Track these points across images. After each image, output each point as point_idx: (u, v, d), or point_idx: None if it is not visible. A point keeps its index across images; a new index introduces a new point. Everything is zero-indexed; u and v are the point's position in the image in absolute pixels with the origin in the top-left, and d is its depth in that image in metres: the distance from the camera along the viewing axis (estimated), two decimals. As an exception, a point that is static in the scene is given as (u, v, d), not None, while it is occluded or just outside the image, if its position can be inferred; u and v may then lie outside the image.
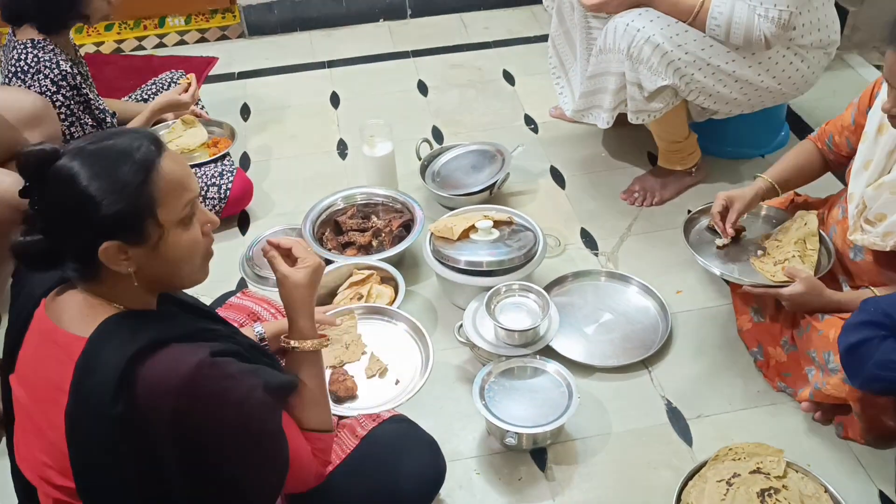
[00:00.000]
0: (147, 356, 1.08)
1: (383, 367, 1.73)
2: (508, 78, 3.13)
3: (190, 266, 1.19)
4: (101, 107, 2.32)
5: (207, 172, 2.40)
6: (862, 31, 3.03)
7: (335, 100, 3.06)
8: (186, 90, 2.49)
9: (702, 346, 2.02)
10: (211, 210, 2.35)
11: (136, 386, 1.06)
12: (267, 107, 3.03)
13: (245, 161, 2.74)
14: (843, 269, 1.92)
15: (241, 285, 2.26)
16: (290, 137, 2.86)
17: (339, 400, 1.67)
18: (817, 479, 1.65)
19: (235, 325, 1.69)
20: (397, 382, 1.71)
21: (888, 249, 1.70)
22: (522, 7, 3.58)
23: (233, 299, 1.84)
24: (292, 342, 1.36)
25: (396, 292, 2.06)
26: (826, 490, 1.64)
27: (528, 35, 3.39)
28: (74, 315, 1.14)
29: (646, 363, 1.98)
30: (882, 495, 1.68)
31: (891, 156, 1.69)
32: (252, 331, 1.60)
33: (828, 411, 1.81)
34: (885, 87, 1.70)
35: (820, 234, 1.91)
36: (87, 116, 2.26)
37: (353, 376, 1.72)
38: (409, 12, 3.57)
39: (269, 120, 2.96)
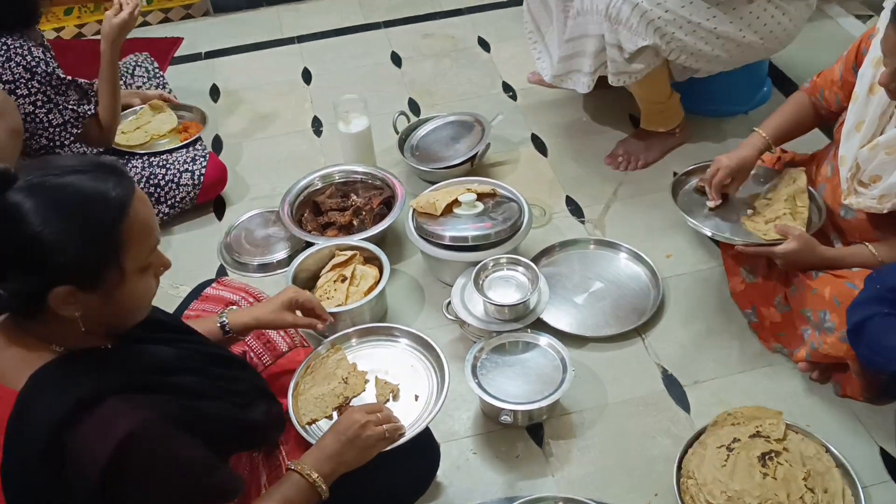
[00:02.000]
0: (78, 419, 0.99)
1: (394, 388, 1.50)
2: (483, 45, 3.06)
3: (138, 313, 1.12)
4: (79, 80, 2.16)
5: (179, 158, 2.33)
6: (840, -20, 2.98)
7: (307, 76, 2.98)
8: (119, 9, 2.11)
9: (695, 310, 1.99)
10: (185, 196, 2.30)
11: (65, 454, 0.99)
12: (237, 87, 2.94)
13: (217, 144, 2.66)
14: (833, 227, 1.88)
15: (221, 272, 2.20)
16: (262, 117, 2.78)
17: None
18: (817, 439, 1.63)
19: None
20: (417, 398, 1.48)
21: (885, 212, 1.66)
22: (493, -29, 3.49)
23: (209, 290, 1.76)
24: (305, 469, 1.25)
25: (381, 272, 2.01)
26: (827, 450, 1.62)
27: (501, 0, 3.31)
28: (7, 362, 1.04)
29: (639, 330, 1.94)
30: (883, 452, 1.66)
31: (884, 116, 1.65)
32: (216, 321, 1.48)
33: (825, 370, 1.79)
34: (869, 58, 1.66)
35: (809, 191, 1.87)
36: (67, 97, 2.09)
37: None
38: (377, -18, 3.47)
39: (240, 100, 2.87)
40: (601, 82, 2.28)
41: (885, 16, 1.57)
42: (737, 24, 2.13)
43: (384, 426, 1.33)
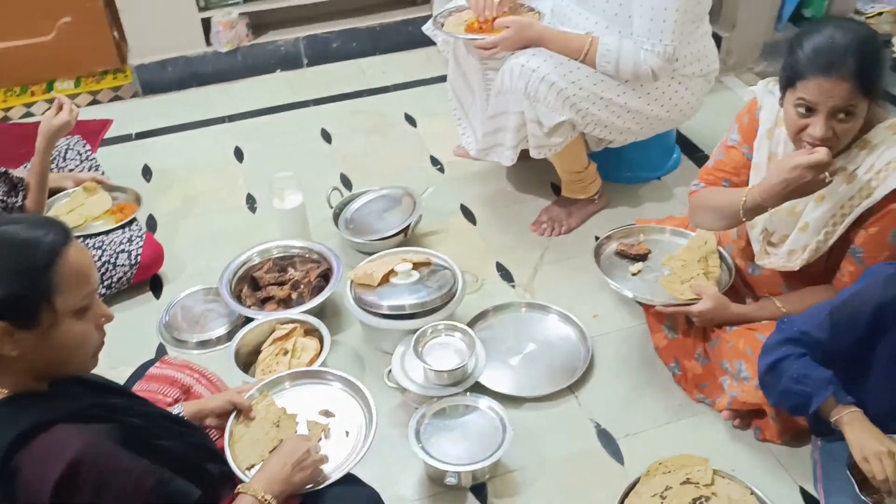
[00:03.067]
0: (28, 441, 1.06)
1: (325, 427, 1.59)
2: (410, 120, 3.19)
3: (80, 357, 1.20)
4: (10, 173, 2.19)
5: (115, 239, 2.35)
6: (735, 54, 3.24)
7: (239, 154, 3.05)
8: (59, 110, 2.19)
9: (622, 366, 2.10)
10: (122, 277, 2.32)
11: (17, 475, 1.05)
12: (169, 166, 2.98)
13: (152, 224, 2.69)
14: (743, 283, 2.04)
15: (161, 351, 2.21)
16: (196, 196, 2.82)
17: None
18: (742, 482, 1.75)
19: (167, 399, 1.67)
20: (348, 434, 1.58)
21: (798, 269, 1.82)
22: (417, 50, 3.65)
23: (152, 370, 1.79)
24: (259, 492, 1.33)
25: (322, 343, 2.06)
26: (752, 492, 1.73)
27: (426, 77, 3.46)
28: None
29: (572, 388, 2.04)
30: (803, 491, 1.78)
31: None
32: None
33: (745, 417, 1.92)
34: (761, 132, 1.82)
35: (720, 252, 2.03)
36: None
37: None
38: (305, 62, 3.59)
39: (173, 180, 2.91)
40: (523, 154, 2.42)
41: (770, 95, 1.77)
42: (644, 99, 2.31)
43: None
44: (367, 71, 3.56)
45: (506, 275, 2.42)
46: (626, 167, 2.72)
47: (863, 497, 1.51)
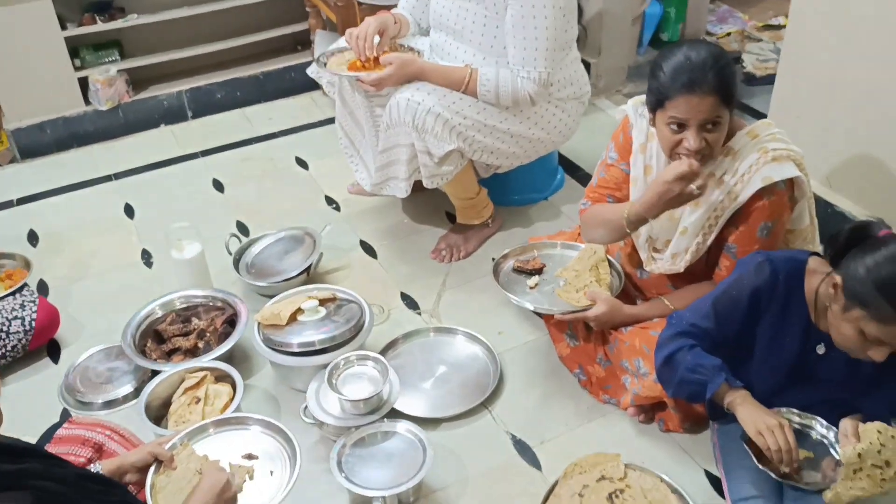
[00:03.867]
0: None
1: (249, 469, 1.63)
2: (302, 163, 3.23)
3: None
4: None
5: (7, 307, 2.27)
6: (604, 78, 3.45)
7: (129, 211, 3.00)
8: None
9: (530, 377, 2.18)
10: (17, 344, 2.24)
11: None
12: (56, 230, 2.90)
13: (44, 288, 2.60)
14: (633, 286, 2.17)
15: (65, 416, 2.15)
16: (88, 256, 2.76)
17: None
18: (653, 472, 1.85)
19: (80, 459, 1.63)
20: (272, 473, 1.63)
21: (682, 270, 1.95)
22: (301, 95, 3.71)
23: (60, 432, 1.75)
24: None
25: (234, 389, 2.05)
26: (662, 480, 1.83)
27: (313, 121, 3.52)
28: None
29: (485, 404, 2.11)
30: (707, 473, 1.90)
31: None
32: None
33: (649, 411, 2.03)
34: (634, 147, 1.96)
35: (609, 260, 2.15)
36: None
37: None
38: (189, 114, 3.58)
39: (62, 242, 2.83)
40: (417, 186, 2.50)
41: (638, 114, 1.92)
42: (525, 123, 2.44)
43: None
44: (254, 119, 3.58)
45: (411, 303, 2.48)
46: (515, 190, 2.84)
47: (760, 466, 1.64)
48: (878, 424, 1.58)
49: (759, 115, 3.15)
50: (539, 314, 2.27)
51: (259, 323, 2.16)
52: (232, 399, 2.02)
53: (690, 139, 1.74)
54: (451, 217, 2.78)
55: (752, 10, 4.19)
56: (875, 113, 2.31)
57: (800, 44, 2.51)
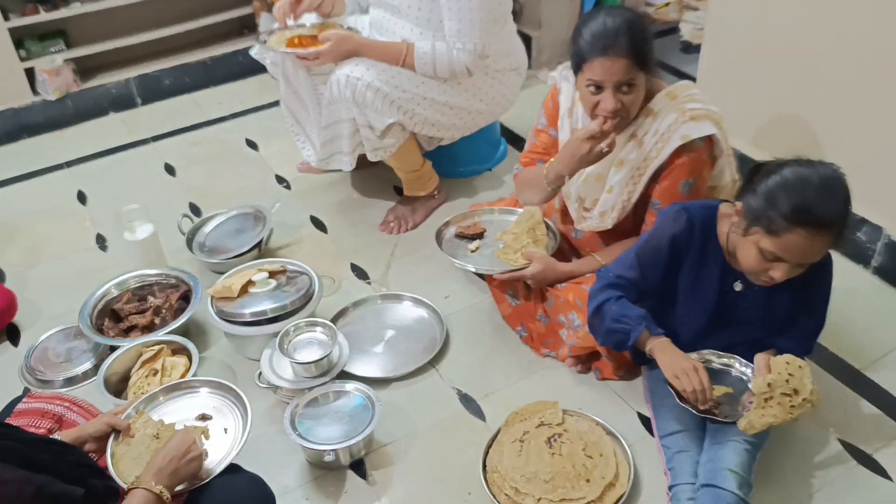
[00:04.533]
0: None
1: (203, 429, 1.68)
2: (252, 145, 3.29)
3: None
4: None
5: (-37, 292, 2.32)
6: (545, 51, 3.55)
7: (82, 197, 3.04)
8: None
9: (475, 337, 2.29)
10: (-25, 328, 2.29)
11: None
12: (9, 218, 2.94)
13: (0, 275, 2.66)
14: (569, 246, 2.29)
15: (27, 393, 2.20)
16: (43, 243, 2.80)
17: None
18: (589, 416, 1.97)
19: (40, 430, 1.70)
20: (226, 431, 1.68)
21: (610, 227, 2.07)
22: (250, 78, 3.77)
23: (20, 406, 1.80)
24: (151, 484, 1.41)
25: (190, 359, 2.13)
26: (598, 423, 1.96)
27: (262, 103, 3.57)
28: None
29: (432, 363, 2.21)
30: (640, 414, 2.03)
31: None
32: None
33: (585, 362, 2.15)
34: (561, 112, 2.06)
35: (545, 222, 2.26)
36: None
37: None
38: (139, 101, 3.62)
39: (15, 231, 2.87)
40: (365, 162, 2.59)
41: (566, 80, 2.02)
42: (464, 95, 2.53)
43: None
44: (203, 103, 3.63)
45: (361, 273, 2.57)
46: (459, 162, 2.94)
47: (681, 404, 1.76)
48: (786, 356, 1.72)
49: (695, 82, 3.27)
50: (481, 276, 2.38)
51: (212, 296, 2.24)
52: (188, 370, 2.10)
53: (606, 100, 1.85)
54: (399, 190, 2.87)
55: (688, -19, 4.31)
56: (795, 73, 2.44)
57: (724, 9, 2.63)
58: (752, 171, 1.69)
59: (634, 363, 2.03)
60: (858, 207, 2.34)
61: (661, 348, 1.79)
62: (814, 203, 1.57)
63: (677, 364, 1.75)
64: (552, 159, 2.01)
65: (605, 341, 1.90)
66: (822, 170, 1.61)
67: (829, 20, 2.28)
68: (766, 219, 1.60)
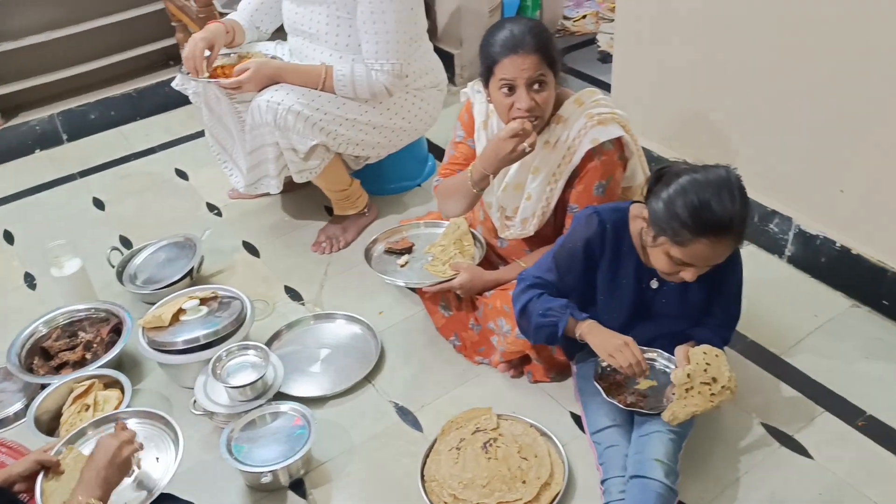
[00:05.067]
0: None
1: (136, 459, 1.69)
2: (182, 175, 3.29)
3: None
4: None
5: None
6: (468, 68, 3.62)
7: (9, 237, 3.00)
8: None
9: (410, 350, 2.33)
10: None
11: None
12: (-68, 263, 2.89)
13: (-76, 321, 2.60)
14: (495, 255, 2.34)
15: (-44, 441, 2.16)
16: (-32, 285, 2.76)
17: None
18: (523, 419, 2.02)
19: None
20: (158, 460, 1.71)
21: (533, 233, 2.12)
22: (177, 109, 3.75)
23: (-49, 447, 1.80)
24: (85, 499, 1.43)
25: (123, 392, 2.12)
26: (532, 425, 2.00)
27: (190, 133, 3.55)
28: None
29: (368, 379, 2.24)
30: (572, 413, 2.08)
31: None
32: None
33: (518, 366, 2.20)
34: (476, 125, 2.12)
35: (472, 232, 2.31)
36: None
37: None
38: (64, 137, 3.58)
39: (-61, 275, 2.82)
40: (294, 185, 2.61)
41: (478, 94, 2.08)
42: (385, 114, 2.58)
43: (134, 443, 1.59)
44: (130, 136, 3.61)
45: (295, 295, 2.58)
46: (388, 179, 2.98)
47: (608, 399, 1.82)
48: (703, 347, 1.79)
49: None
50: (412, 289, 2.42)
51: (143, 327, 2.23)
52: (121, 403, 2.09)
53: (521, 99, 1.90)
54: (330, 210, 2.89)
55: (605, -7, 4.44)
56: (703, 76, 2.54)
57: (631, 18, 2.74)
58: (655, 177, 1.76)
59: (567, 357, 2.08)
60: (769, 200, 2.48)
61: (589, 331, 1.84)
62: (712, 211, 1.63)
63: (609, 343, 1.81)
64: (474, 162, 2.06)
65: (536, 339, 1.94)
66: (715, 174, 1.67)
67: (732, 21, 2.39)
68: (671, 230, 1.67)
